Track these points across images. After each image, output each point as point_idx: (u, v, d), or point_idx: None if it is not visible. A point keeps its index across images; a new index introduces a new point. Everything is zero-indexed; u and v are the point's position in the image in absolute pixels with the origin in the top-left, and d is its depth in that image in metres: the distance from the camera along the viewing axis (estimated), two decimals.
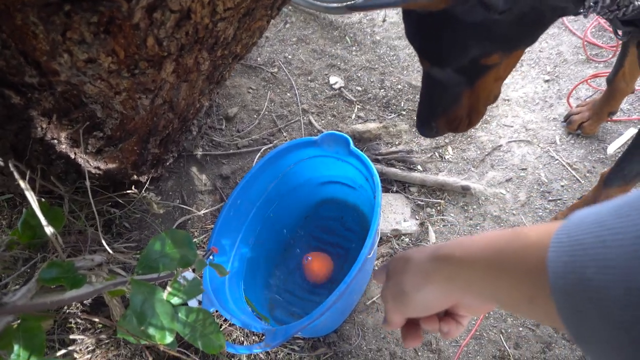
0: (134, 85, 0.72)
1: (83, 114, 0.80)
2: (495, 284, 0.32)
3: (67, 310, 1.07)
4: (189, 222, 1.31)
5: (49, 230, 0.78)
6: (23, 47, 0.59)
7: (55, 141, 0.92)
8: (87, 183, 0.82)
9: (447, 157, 1.36)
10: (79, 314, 1.06)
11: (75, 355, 1.04)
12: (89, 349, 1.05)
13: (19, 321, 0.75)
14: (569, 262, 0.24)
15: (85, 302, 1.09)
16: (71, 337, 1.05)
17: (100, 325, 1.07)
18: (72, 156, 0.97)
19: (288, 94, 1.54)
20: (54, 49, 0.58)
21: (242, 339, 1.15)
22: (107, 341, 1.06)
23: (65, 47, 0.57)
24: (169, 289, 0.79)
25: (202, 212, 1.31)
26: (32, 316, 0.79)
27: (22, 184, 0.75)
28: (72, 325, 1.07)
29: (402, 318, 0.44)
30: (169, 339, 0.72)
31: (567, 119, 1.33)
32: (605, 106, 1.21)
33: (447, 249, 0.37)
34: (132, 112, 0.81)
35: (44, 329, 1.00)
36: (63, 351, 1.01)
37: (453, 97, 0.75)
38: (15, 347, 0.73)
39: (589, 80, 1.40)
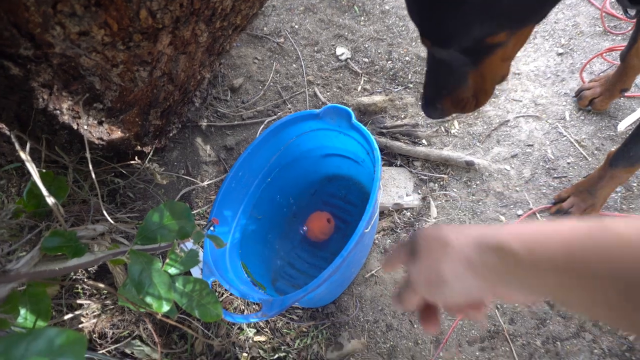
0: (131, 57, 0.72)
1: (82, 86, 0.80)
2: (568, 287, 0.27)
3: (74, 276, 1.10)
4: (193, 192, 1.33)
5: (50, 200, 0.80)
6: (15, 20, 0.59)
7: (58, 112, 0.93)
8: (88, 154, 0.83)
9: (452, 131, 1.34)
10: (85, 280, 1.09)
11: (82, 319, 1.08)
12: (94, 313, 1.09)
13: (24, 287, 0.78)
14: None
15: (90, 269, 1.13)
16: (78, 301, 1.09)
17: (105, 292, 1.11)
18: (75, 127, 0.98)
19: (294, 65, 1.52)
20: (46, 21, 0.58)
21: (243, 307, 1.18)
22: (112, 307, 1.09)
23: (56, 19, 0.57)
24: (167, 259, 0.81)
25: (206, 183, 1.32)
26: (37, 282, 0.82)
27: (23, 155, 0.76)
28: (79, 290, 1.11)
29: (422, 301, 0.41)
30: (166, 307, 0.74)
31: (578, 94, 1.29)
32: (617, 83, 1.18)
33: (498, 237, 0.32)
34: (130, 84, 0.81)
35: (50, 294, 1.03)
36: (70, 315, 1.05)
37: (458, 78, 0.71)
38: (22, 311, 0.77)
39: (604, 54, 1.35)
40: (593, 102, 1.26)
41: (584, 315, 0.28)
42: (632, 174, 1.01)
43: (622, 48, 1.14)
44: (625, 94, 1.26)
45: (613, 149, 1.00)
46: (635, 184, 1.14)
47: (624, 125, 1.24)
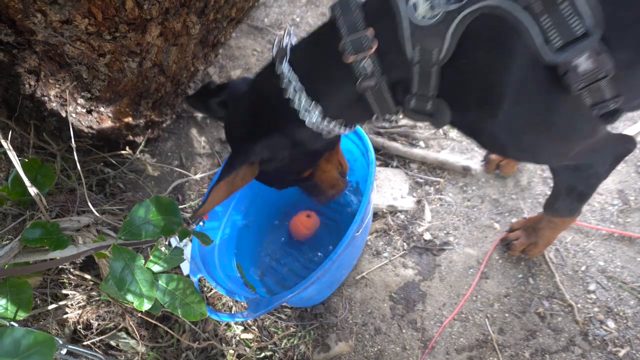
0: (118, 48, 0.70)
1: (69, 74, 0.78)
2: None
3: (60, 266, 1.09)
4: (186, 184, 1.31)
5: (32, 191, 0.78)
6: None
7: (46, 98, 0.91)
8: (73, 143, 0.81)
9: (451, 135, 1.31)
10: (71, 270, 1.08)
11: (67, 309, 1.07)
12: (80, 304, 1.07)
13: (5, 277, 0.76)
14: None
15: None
16: (63, 292, 1.07)
17: (91, 282, 1.09)
18: (64, 114, 0.96)
19: None
20: (26, 7, 0.55)
21: (231, 303, 1.16)
22: (97, 298, 1.08)
23: (37, 6, 0.55)
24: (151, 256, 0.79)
25: (199, 175, 1.30)
26: None
27: (5, 144, 0.74)
28: (65, 280, 1.09)
29: None
30: (147, 305, 0.72)
31: None
32: None
33: None
34: (119, 75, 0.79)
35: (33, 285, 1.02)
36: (54, 305, 1.03)
37: None
38: (3, 302, 0.75)
39: None
40: None
41: None
42: (570, 223, 0.97)
43: None
44: None
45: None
46: (632, 198, 1.12)
47: (632, 132, 1.21)
